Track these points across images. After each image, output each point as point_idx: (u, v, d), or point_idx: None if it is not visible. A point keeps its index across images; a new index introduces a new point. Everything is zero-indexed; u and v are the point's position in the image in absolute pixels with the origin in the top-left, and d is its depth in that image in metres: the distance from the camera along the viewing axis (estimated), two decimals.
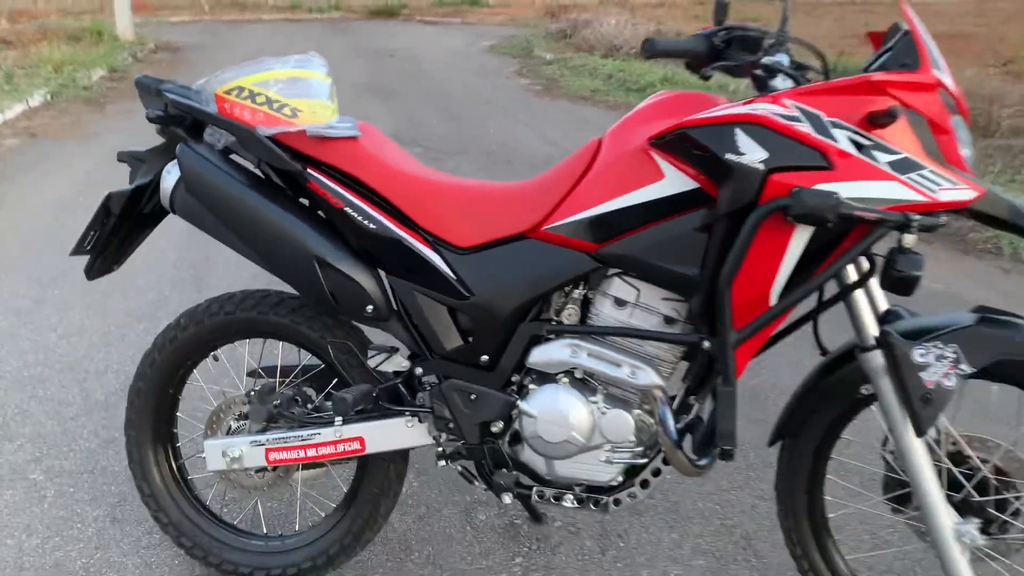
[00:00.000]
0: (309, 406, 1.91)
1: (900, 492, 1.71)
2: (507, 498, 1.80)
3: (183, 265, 4.09)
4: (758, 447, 2.35)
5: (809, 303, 1.67)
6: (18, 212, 4.92)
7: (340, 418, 1.82)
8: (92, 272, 1.92)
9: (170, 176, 1.77)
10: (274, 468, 1.91)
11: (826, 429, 1.74)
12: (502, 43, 14.90)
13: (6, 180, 5.61)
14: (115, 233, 1.87)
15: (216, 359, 1.97)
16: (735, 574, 2.05)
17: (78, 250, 1.87)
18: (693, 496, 2.34)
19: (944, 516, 1.60)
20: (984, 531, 1.62)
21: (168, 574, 2.03)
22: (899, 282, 1.44)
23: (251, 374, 1.98)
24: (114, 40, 12.90)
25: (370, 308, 1.72)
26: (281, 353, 1.98)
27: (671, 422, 1.63)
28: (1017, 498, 1.61)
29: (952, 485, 1.64)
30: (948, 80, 1.50)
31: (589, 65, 11.25)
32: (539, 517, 2.21)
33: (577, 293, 1.71)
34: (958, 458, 1.65)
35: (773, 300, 1.53)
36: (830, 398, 1.71)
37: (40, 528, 2.19)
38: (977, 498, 1.62)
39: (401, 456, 1.91)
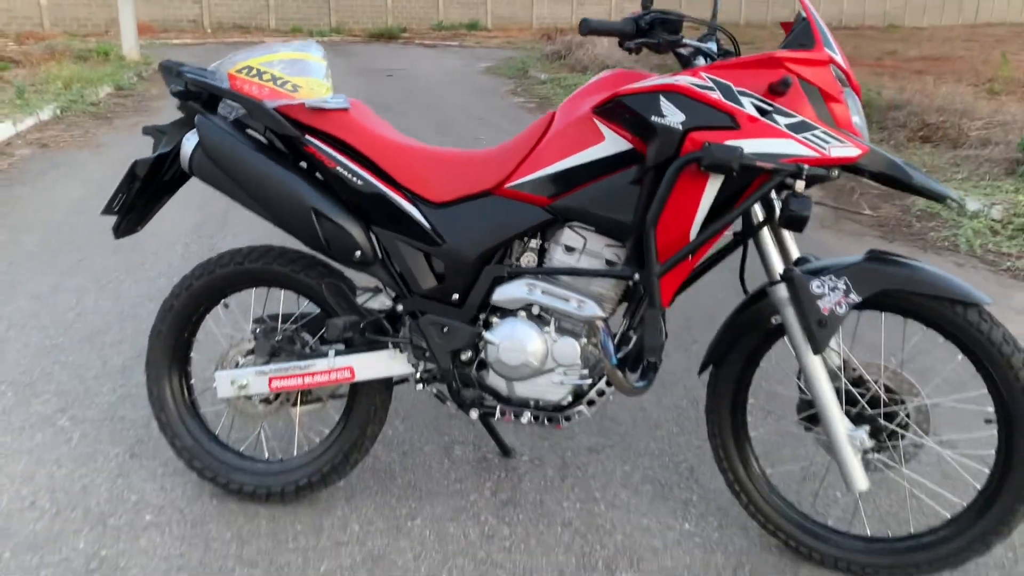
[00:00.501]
0: (306, 348, 2.21)
1: (810, 412, 2.01)
2: (474, 413, 2.10)
3: (190, 256, 4.39)
4: None
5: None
6: (33, 213, 5.21)
7: (333, 351, 2.12)
8: (119, 231, 2.22)
9: (189, 143, 2.08)
10: (276, 397, 2.20)
11: (745, 357, 2.04)
12: (498, 64, 15.31)
13: (20, 185, 5.92)
14: (140, 196, 2.17)
15: (227, 306, 2.27)
16: (677, 496, 2.34)
17: (107, 210, 2.17)
18: (646, 439, 2.63)
19: (839, 423, 1.90)
20: (875, 438, 1.92)
21: (181, 495, 2.31)
22: (792, 220, 1.75)
23: (256, 321, 2.27)
24: (120, 60, 13.28)
25: (358, 253, 2.02)
26: (282, 303, 2.28)
27: (611, 347, 1.93)
28: (905, 411, 1.91)
29: (851, 403, 1.94)
30: (839, 58, 1.81)
31: (582, 84, 11.57)
32: (508, 451, 2.50)
33: (534, 242, 2.02)
34: (858, 382, 1.95)
35: (692, 238, 1.84)
36: (747, 329, 2.01)
37: (68, 462, 2.47)
38: (869, 411, 1.92)
39: (386, 386, 2.20)
